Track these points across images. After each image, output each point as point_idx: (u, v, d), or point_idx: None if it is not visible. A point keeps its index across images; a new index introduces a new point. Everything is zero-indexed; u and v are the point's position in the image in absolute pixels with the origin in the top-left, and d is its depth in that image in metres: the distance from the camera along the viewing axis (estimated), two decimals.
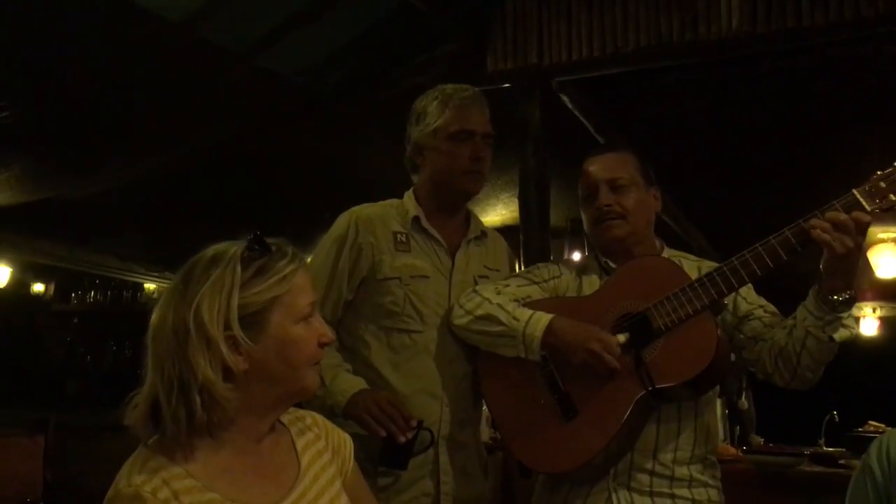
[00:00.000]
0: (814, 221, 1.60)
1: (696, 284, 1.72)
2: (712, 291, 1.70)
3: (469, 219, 2.09)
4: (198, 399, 1.14)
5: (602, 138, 4.39)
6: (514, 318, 1.81)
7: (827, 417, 4.23)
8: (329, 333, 1.27)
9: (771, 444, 4.19)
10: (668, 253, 1.96)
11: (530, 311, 1.82)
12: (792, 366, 1.72)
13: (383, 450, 1.79)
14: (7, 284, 5.94)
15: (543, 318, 1.80)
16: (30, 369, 7.03)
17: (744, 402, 4.19)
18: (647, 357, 1.73)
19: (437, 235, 2.01)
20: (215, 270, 1.19)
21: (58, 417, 5.77)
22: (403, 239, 1.99)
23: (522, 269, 2.32)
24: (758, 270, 1.68)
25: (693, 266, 1.90)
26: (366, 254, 1.95)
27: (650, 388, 1.71)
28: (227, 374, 1.16)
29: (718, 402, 4.05)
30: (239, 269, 1.19)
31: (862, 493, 1.51)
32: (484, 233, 2.11)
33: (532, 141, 3.93)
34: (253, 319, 1.19)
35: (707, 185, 5.08)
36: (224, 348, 1.15)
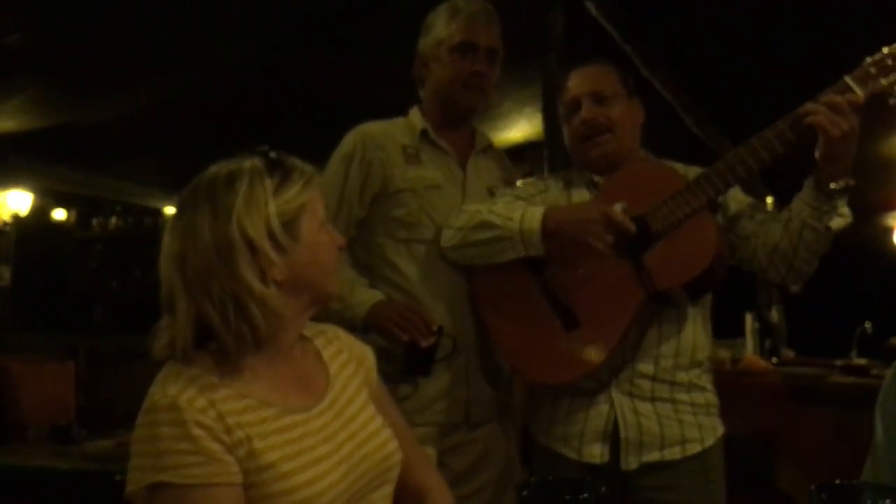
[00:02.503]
0: (808, 107, 1.60)
1: (692, 185, 1.71)
2: (709, 190, 1.70)
3: (474, 133, 2.09)
4: (258, 312, 1.16)
5: (629, 48, 4.27)
6: (508, 219, 1.79)
7: (859, 329, 4.20)
8: (341, 239, 1.31)
9: (802, 357, 4.20)
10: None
11: (522, 208, 1.80)
12: (788, 259, 1.73)
13: (406, 357, 1.83)
14: (29, 212, 5.96)
15: (538, 210, 1.78)
16: (56, 296, 7.14)
17: (774, 315, 4.18)
18: (646, 261, 1.72)
19: (446, 147, 2.01)
20: (241, 185, 1.19)
21: (87, 343, 5.89)
22: (413, 152, 1.99)
23: None
24: (754, 165, 1.67)
25: (681, 173, 1.86)
26: (376, 169, 1.95)
27: (652, 292, 1.70)
28: (265, 282, 1.18)
29: (749, 316, 4.06)
30: (268, 179, 1.20)
31: (892, 402, 1.48)
32: (490, 146, 2.12)
33: (556, 52, 3.85)
34: (289, 227, 1.20)
35: (739, 95, 4.97)
36: (273, 257, 1.17)
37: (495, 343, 1.90)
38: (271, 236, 1.18)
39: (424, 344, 1.79)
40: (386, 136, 2.00)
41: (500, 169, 2.13)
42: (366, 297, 1.88)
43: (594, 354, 1.74)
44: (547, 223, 1.75)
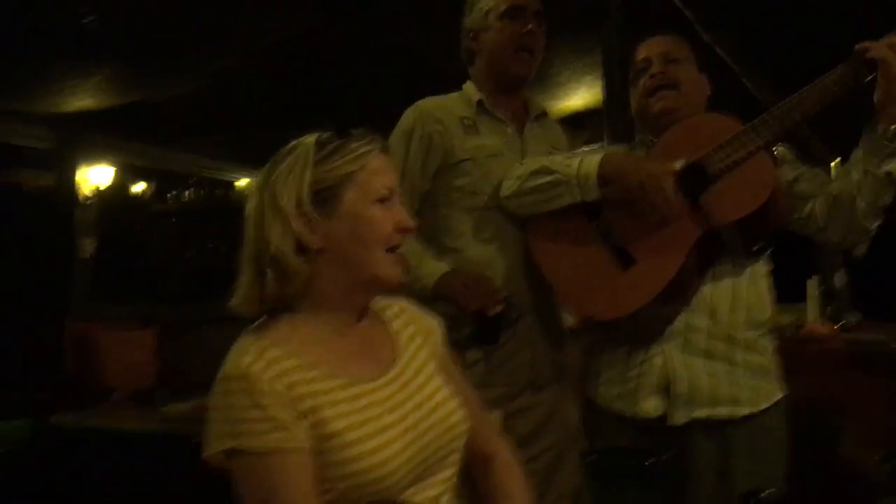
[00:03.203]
0: (869, 43, 1.61)
1: (749, 128, 1.72)
2: (766, 133, 1.70)
3: (527, 101, 2.14)
4: (269, 272, 1.21)
5: (690, 14, 4.19)
6: (566, 165, 1.83)
7: None
8: (409, 220, 1.29)
9: (869, 322, 4.09)
10: None
11: (580, 156, 1.85)
12: (846, 214, 1.71)
13: (474, 325, 1.87)
14: (109, 186, 6.20)
15: (596, 155, 1.81)
16: (135, 267, 7.42)
17: (838, 280, 4.09)
18: (703, 201, 1.74)
19: (503, 116, 2.06)
20: (290, 156, 1.25)
21: (163, 311, 6.13)
22: (471, 123, 2.04)
23: None
24: (811, 109, 1.67)
25: None
26: (436, 142, 2.00)
27: (707, 229, 1.71)
28: (302, 250, 1.22)
29: (812, 281, 3.97)
30: (313, 149, 1.25)
31: None
32: (544, 113, 2.17)
33: (615, 18, 3.81)
34: (326, 195, 1.23)
35: (803, 59, 4.80)
36: (296, 222, 1.21)
37: (552, 286, 1.93)
38: (299, 204, 1.22)
39: (492, 312, 1.84)
40: (443, 109, 2.06)
41: (556, 136, 2.18)
42: (434, 268, 1.93)
43: (651, 287, 1.75)
44: (604, 168, 1.78)
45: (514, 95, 2.13)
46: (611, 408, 1.86)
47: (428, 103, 2.09)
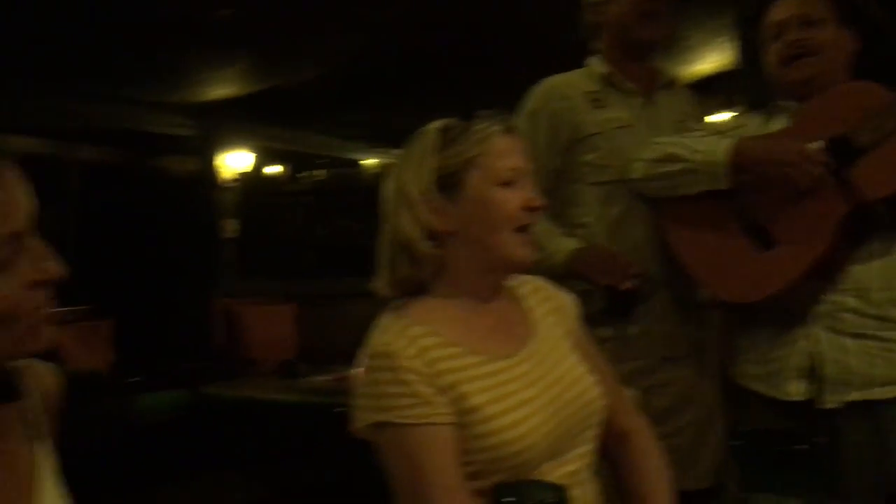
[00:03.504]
0: None
1: None
2: None
3: (655, 70, 2.09)
4: (401, 257, 1.26)
5: None
6: (696, 151, 1.76)
7: None
8: (537, 199, 1.29)
9: None
10: None
11: (712, 140, 1.77)
12: None
13: (607, 301, 1.85)
14: (248, 170, 6.52)
15: (726, 142, 1.73)
16: (273, 244, 7.78)
17: None
18: (850, 175, 1.63)
19: (630, 86, 2.02)
20: (418, 142, 1.29)
21: (301, 286, 6.41)
22: (597, 97, 2.01)
23: None
24: None
25: None
26: (563, 118, 1.99)
27: (854, 205, 1.62)
28: (432, 234, 1.25)
29: None
30: (438, 135, 1.28)
31: None
32: (673, 81, 2.11)
33: None
34: (451, 181, 1.26)
35: None
36: (423, 209, 1.25)
37: (688, 271, 1.88)
38: (425, 191, 1.25)
39: (624, 287, 1.81)
40: (569, 85, 2.05)
41: (686, 103, 2.11)
42: (565, 244, 1.92)
43: (794, 267, 1.68)
44: (736, 157, 1.72)
45: (643, 64, 2.07)
46: (751, 387, 1.80)
47: (553, 81, 2.08)
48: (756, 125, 1.87)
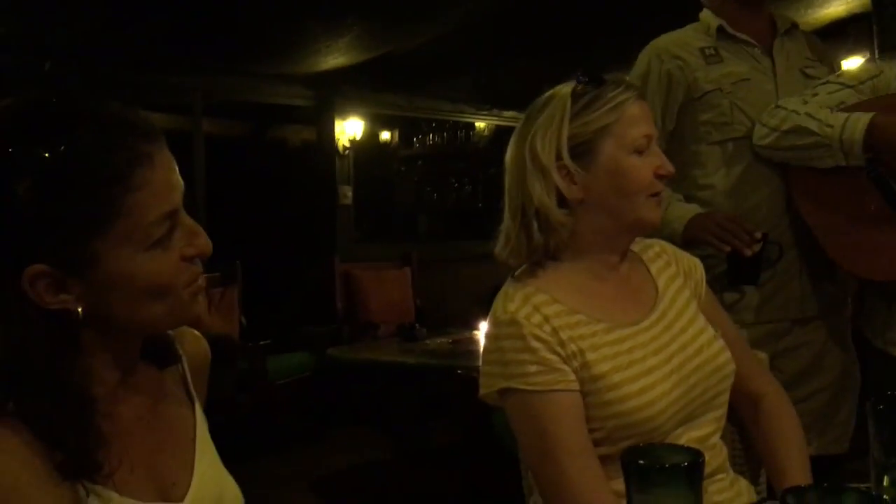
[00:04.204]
0: None
1: None
2: None
3: (773, 17, 1.99)
4: (534, 223, 1.26)
5: None
6: (828, 125, 1.68)
7: None
8: (668, 166, 1.29)
9: None
10: None
11: (845, 115, 1.67)
12: None
13: (731, 267, 1.80)
14: (362, 137, 6.65)
15: (863, 118, 1.65)
16: (387, 209, 7.93)
17: None
18: None
19: (746, 38, 1.93)
20: (547, 109, 1.27)
21: (416, 250, 6.53)
22: (712, 52, 1.93)
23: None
24: None
25: None
26: (676, 78, 1.93)
27: None
28: (563, 202, 1.26)
29: None
30: (569, 102, 1.26)
31: None
32: (794, 25, 2.00)
33: None
34: (584, 149, 1.25)
35: None
36: (556, 176, 1.25)
37: (822, 242, 1.80)
38: (558, 157, 1.24)
39: (748, 253, 1.76)
40: (679, 44, 1.98)
41: (809, 49, 2.00)
42: (683, 211, 1.87)
43: None
44: (870, 136, 1.63)
45: (759, 12, 1.98)
46: (890, 352, 1.74)
47: (663, 40, 2.00)
48: (893, 75, 1.76)
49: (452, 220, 7.95)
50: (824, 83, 1.84)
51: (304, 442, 4.86)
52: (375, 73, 5.77)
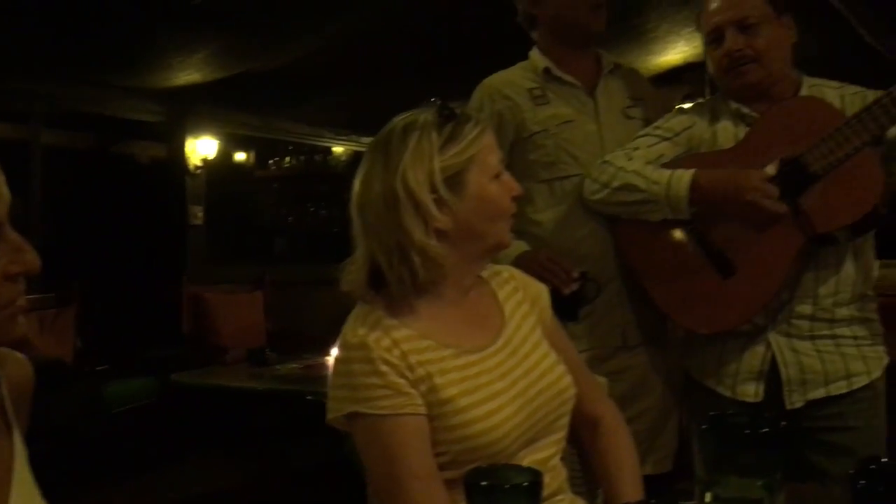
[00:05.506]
0: None
1: (853, 121, 1.59)
2: (873, 127, 1.57)
3: (599, 57, 2.07)
4: (417, 260, 1.24)
5: None
6: (654, 182, 1.77)
7: None
8: (518, 187, 1.34)
9: None
10: (807, 84, 1.80)
11: (669, 172, 1.77)
12: None
13: (552, 303, 1.89)
14: (216, 156, 6.46)
15: (685, 175, 1.74)
16: (242, 231, 7.73)
17: None
18: (805, 204, 1.64)
19: (571, 80, 2.01)
20: (412, 139, 1.26)
21: (270, 273, 6.39)
22: (539, 93, 2.00)
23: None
24: None
25: (835, 95, 1.75)
26: (506, 118, 1.99)
27: (812, 235, 1.63)
28: (438, 234, 1.26)
29: None
30: (435, 134, 1.26)
31: None
32: (617, 65, 2.09)
33: None
34: (454, 180, 1.26)
35: None
36: (433, 210, 1.24)
37: (646, 292, 1.89)
38: (433, 190, 1.24)
39: (567, 291, 1.84)
40: (509, 84, 2.04)
41: (631, 87, 2.09)
42: (511, 249, 1.88)
43: (755, 300, 1.71)
44: (695, 192, 1.73)
45: (585, 53, 2.07)
46: (706, 384, 1.85)
47: (494, 80, 2.06)
48: (703, 127, 1.86)
49: (309, 243, 7.85)
50: (643, 136, 1.93)
51: (150, 470, 4.61)
52: (232, 91, 5.63)
